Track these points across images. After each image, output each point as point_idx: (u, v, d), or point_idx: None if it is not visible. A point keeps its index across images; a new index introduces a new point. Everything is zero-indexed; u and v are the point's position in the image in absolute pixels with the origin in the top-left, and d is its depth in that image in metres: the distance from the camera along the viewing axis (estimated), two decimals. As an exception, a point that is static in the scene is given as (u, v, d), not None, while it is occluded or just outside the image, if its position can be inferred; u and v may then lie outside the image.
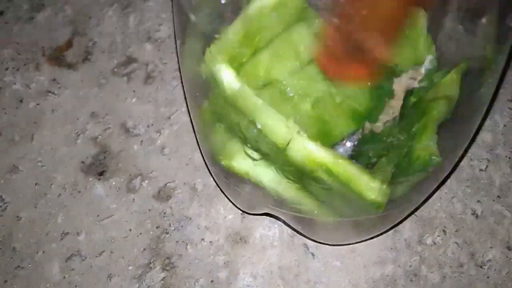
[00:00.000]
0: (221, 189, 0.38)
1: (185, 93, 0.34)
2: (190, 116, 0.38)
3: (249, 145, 0.28)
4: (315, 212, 0.31)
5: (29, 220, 0.39)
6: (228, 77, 0.27)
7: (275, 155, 0.28)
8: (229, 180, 0.33)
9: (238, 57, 0.27)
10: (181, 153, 0.41)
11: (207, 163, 0.37)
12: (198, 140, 0.36)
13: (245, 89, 0.27)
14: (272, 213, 0.36)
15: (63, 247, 0.38)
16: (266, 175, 0.29)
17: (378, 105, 0.29)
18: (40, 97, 0.44)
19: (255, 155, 0.29)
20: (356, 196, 0.27)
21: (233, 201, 0.38)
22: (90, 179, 0.40)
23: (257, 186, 0.30)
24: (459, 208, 0.39)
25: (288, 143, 0.26)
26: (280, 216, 0.36)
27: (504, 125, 0.42)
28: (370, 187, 0.27)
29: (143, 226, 0.38)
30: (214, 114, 0.30)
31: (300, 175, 0.28)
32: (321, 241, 0.37)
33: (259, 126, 0.27)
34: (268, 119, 0.27)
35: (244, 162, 0.29)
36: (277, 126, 0.27)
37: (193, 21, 0.29)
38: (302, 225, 0.35)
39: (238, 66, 0.27)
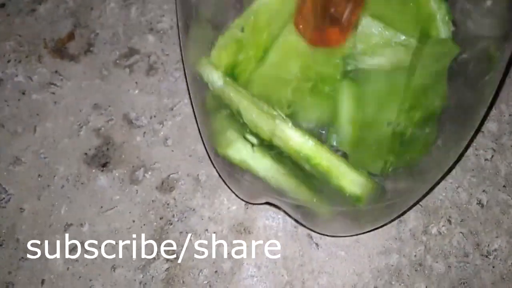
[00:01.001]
0: (222, 179, 0.38)
1: (187, 82, 0.34)
2: (192, 107, 0.38)
3: (247, 131, 0.28)
4: (313, 202, 0.31)
5: (32, 211, 0.39)
6: (212, 75, 0.28)
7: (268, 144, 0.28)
8: (230, 169, 0.33)
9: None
10: (184, 145, 0.41)
11: (208, 152, 0.37)
12: (200, 128, 0.36)
13: (228, 87, 0.27)
14: (273, 203, 0.36)
15: (67, 239, 0.38)
16: (262, 164, 0.29)
17: None
18: (42, 89, 0.44)
19: (254, 140, 0.29)
20: (336, 187, 0.27)
21: (234, 191, 0.37)
22: (93, 170, 0.40)
23: (256, 175, 0.30)
24: (464, 197, 0.38)
25: (273, 132, 0.26)
26: (281, 206, 0.35)
27: (510, 115, 0.42)
28: (349, 180, 0.27)
29: (147, 217, 0.38)
30: (213, 103, 0.30)
31: (292, 163, 0.28)
32: (321, 232, 0.37)
33: (244, 121, 0.27)
34: (252, 113, 0.27)
35: (239, 152, 0.29)
36: (260, 118, 0.27)
37: (197, 11, 0.29)
38: (302, 216, 0.35)
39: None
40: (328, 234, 0.37)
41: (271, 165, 0.29)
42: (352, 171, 0.27)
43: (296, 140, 0.26)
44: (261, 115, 0.27)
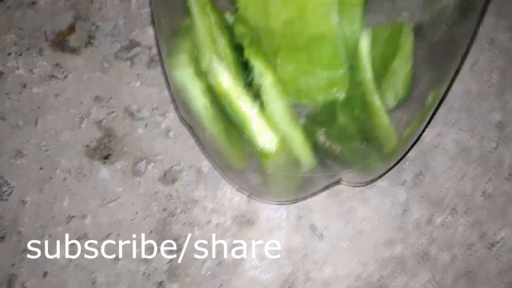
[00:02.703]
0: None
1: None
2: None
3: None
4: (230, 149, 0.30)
5: (34, 204, 0.39)
6: None
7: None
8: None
9: None
10: (186, 136, 0.41)
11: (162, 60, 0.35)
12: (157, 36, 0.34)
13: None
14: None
15: (69, 231, 0.37)
16: (197, 97, 0.28)
17: None
18: (43, 82, 0.43)
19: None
20: (249, 138, 0.26)
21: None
22: (95, 162, 0.40)
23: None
24: (468, 188, 0.38)
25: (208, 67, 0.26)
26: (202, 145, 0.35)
27: (514, 104, 0.41)
28: (263, 132, 0.26)
29: (150, 209, 0.38)
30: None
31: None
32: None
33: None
34: (202, 35, 0.26)
35: (183, 77, 0.28)
36: (204, 45, 0.26)
37: None
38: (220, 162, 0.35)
39: None
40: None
41: (204, 102, 0.28)
42: (268, 128, 0.26)
43: (225, 82, 0.25)
44: (207, 42, 0.25)
